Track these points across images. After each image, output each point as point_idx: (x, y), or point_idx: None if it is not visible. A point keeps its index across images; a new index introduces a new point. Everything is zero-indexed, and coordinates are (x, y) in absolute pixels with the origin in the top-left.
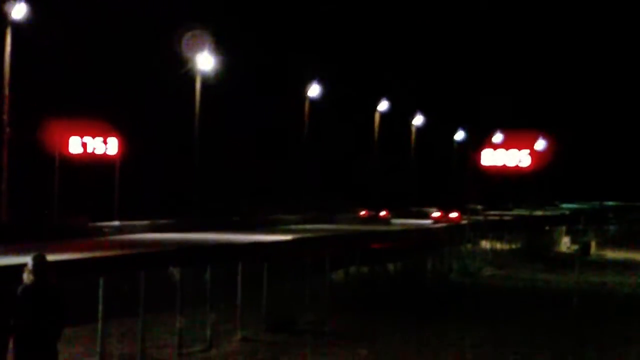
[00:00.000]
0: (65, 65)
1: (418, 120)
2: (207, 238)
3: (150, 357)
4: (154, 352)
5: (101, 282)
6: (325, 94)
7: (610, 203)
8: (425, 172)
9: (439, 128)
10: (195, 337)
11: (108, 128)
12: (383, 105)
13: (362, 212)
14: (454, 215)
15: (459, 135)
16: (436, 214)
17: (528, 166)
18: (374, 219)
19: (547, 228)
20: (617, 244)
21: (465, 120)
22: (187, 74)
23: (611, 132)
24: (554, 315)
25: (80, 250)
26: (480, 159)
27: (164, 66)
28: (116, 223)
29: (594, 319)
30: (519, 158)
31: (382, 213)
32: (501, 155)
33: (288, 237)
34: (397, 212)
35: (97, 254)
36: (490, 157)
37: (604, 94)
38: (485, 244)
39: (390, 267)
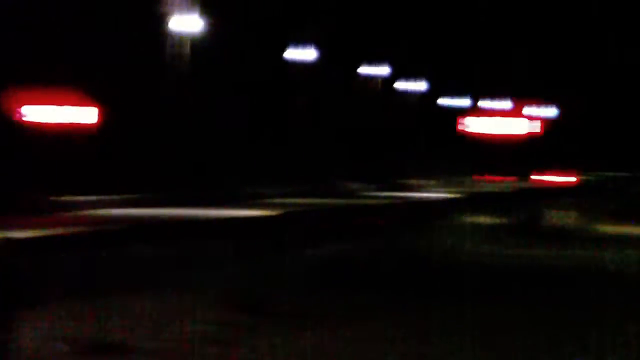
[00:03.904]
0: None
1: (421, 86)
2: (179, 214)
3: (108, 341)
4: (111, 336)
5: (60, 261)
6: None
7: (611, 174)
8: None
9: (440, 95)
10: (159, 319)
11: (86, 96)
12: (384, 70)
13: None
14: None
15: (465, 102)
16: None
17: (538, 134)
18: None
19: (548, 201)
20: (616, 217)
21: (469, 88)
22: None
23: (613, 102)
24: (559, 297)
25: (40, 226)
26: (475, 127)
27: (147, 27)
28: (81, 198)
29: (600, 299)
30: (525, 126)
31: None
32: (508, 123)
33: (268, 212)
34: (388, 185)
35: (56, 230)
36: (494, 125)
37: (597, 62)
38: (477, 218)
39: (376, 243)
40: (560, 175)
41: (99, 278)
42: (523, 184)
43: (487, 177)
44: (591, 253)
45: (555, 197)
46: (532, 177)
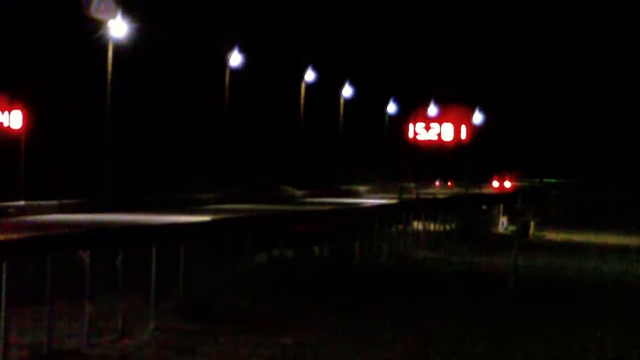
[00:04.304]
0: None
1: (347, 91)
2: (120, 219)
3: (57, 347)
4: (61, 342)
5: (4, 267)
6: (248, 64)
7: (553, 180)
8: (356, 147)
9: (369, 100)
10: (106, 326)
11: (10, 100)
12: (309, 76)
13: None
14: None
15: (391, 108)
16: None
17: (465, 140)
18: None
19: (484, 207)
20: (559, 224)
21: (397, 92)
22: (99, 41)
23: (552, 108)
24: (490, 301)
25: None
26: (412, 133)
27: (74, 33)
28: (21, 203)
29: (532, 304)
30: (454, 132)
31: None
32: (436, 130)
33: (207, 217)
34: (324, 191)
35: None
36: (424, 131)
37: (541, 68)
38: (417, 225)
39: (316, 250)
40: (497, 182)
41: (41, 285)
42: (463, 191)
43: (438, 184)
44: (534, 261)
45: (495, 203)
46: (472, 183)
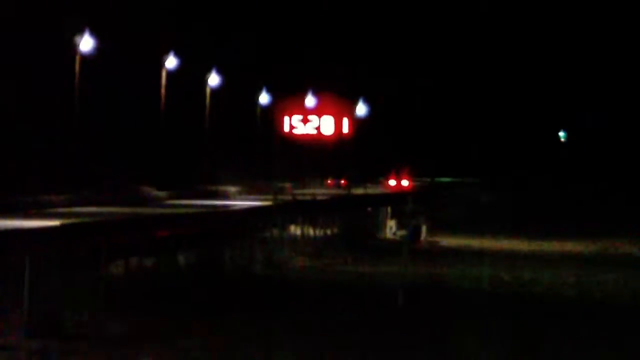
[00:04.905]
0: None
1: (213, 80)
2: None
3: None
4: None
5: None
6: (100, 48)
7: (445, 179)
8: (224, 143)
9: (239, 90)
10: None
11: None
12: (171, 63)
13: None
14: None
15: (263, 99)
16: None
17: (347, 135)
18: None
19: (369, 210)
20: (453, 228)
21: (270, 81)
22: None
23: (444, 99)
24: (375, 320)
25: None
26: (287, 126)
27: None
28: None
29: (423, 321)
30: (335, 126)
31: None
32: (314, 123)
33: (55, 222)
34: (188, 192)
35: None
36: (301, 125)
37: (426, 58)
38: (295, 230)
39: (181, 258)
40: (394, 180)
41: None
42: (349, 190)
43: (331, 183)
44: (426, 270)
45: (382, 205)
46: (357, 182)
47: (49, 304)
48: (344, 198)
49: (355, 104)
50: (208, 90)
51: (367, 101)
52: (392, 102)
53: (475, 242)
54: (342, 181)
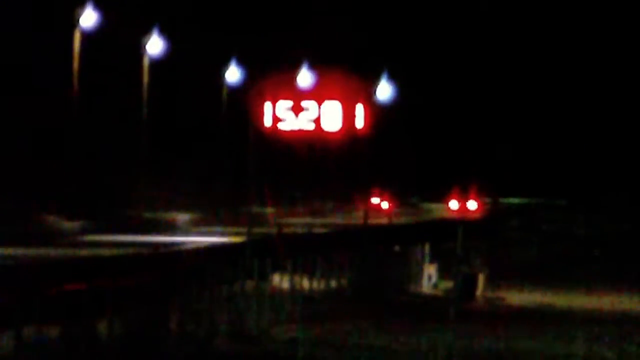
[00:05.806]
0: None
1: (154, 47)
2: None
3: None
4: None
5: None
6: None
7: (515, 200)
8: (172, 144)
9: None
10: None
11: None
12: (88, 20)
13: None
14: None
15: (233, 75)
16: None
17: (362, 131)
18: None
19: (396, 248)
20: (526, 277)
21: (244, 51)
22: None
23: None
24: None
25: None
26: (269, 119)
27: None
28: None
29: None
30: (344, 118)
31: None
32: (312, 112)
33: None
34: (114, 221)
35: None
36: (290, 116)
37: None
38: (280, 281)
39: (102, 326)
40: (457, 201)
41: None
42: (371, 216)
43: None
44: (485, 345)
45: (423, 240)
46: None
47: None
48: (356, 231)
49: (374, 83)
50: (146, 63)
51: (392, 79)
52: (431, 81)
53: (560, 300)
54: (383, 201)
